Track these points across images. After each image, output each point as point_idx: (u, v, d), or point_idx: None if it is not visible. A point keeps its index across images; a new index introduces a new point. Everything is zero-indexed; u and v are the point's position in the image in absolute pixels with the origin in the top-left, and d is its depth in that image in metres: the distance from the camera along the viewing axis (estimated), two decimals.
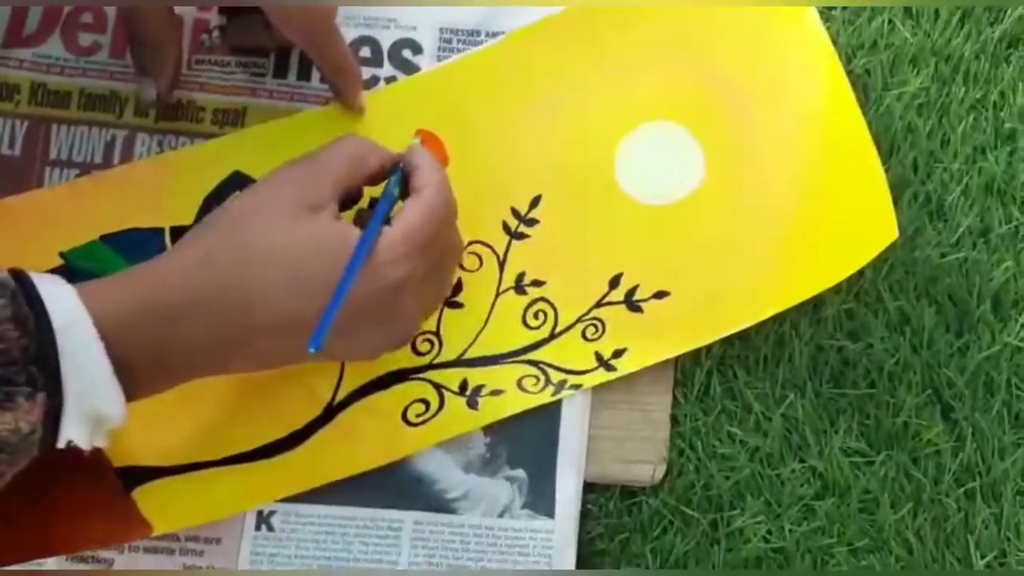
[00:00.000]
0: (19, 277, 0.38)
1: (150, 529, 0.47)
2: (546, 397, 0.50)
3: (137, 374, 0.40)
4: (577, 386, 0.51)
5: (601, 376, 0.51)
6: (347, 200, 0.46)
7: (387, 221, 0.44)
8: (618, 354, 0.51)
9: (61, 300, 0.38)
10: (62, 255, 0.50)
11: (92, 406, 0.38)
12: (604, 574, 0.50)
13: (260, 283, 0.42)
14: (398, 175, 0.46)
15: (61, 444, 0.38)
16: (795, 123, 0.53)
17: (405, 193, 0.46)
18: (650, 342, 0.51)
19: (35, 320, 0.37)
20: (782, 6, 0.54)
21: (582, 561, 0.50)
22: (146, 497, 0.47)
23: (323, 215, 0.43)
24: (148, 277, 0.41)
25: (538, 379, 0.51)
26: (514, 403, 0.50)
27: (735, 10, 0.54)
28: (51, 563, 0.46)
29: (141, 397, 0.41)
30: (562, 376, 0.51)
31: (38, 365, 0.37)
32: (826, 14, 0.56)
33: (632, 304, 0.52)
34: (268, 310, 0.42)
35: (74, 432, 0.38)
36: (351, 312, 0.42)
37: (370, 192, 0.48)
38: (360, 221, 0.45)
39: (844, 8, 0.57)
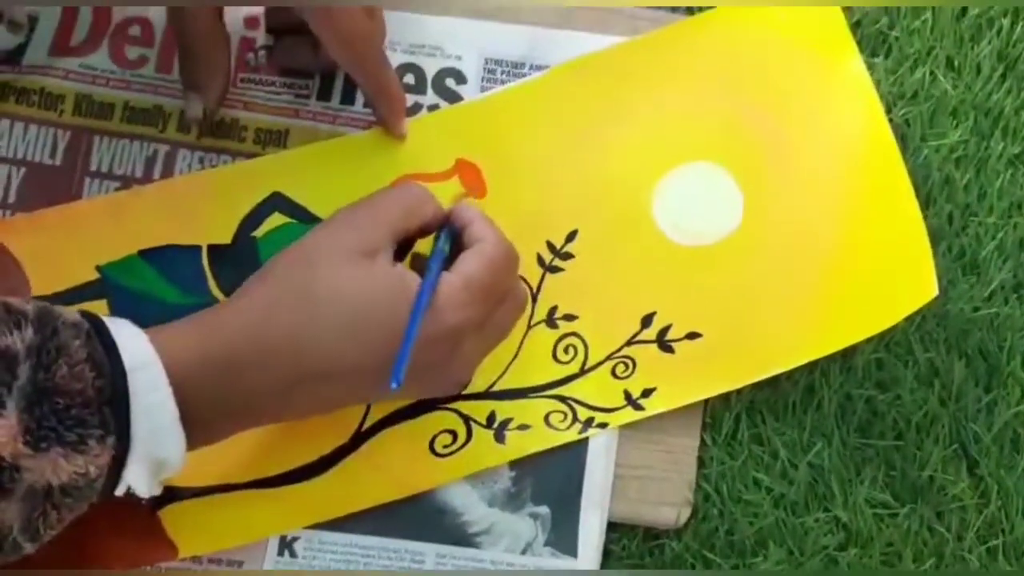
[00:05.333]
0: (91, 318, 0.38)
1: (175, 552, 0.47)
2: (573, 435, 0.50)
3: (196, 422, 0.39)
4: (604, 424, 0.50)
5: (629, 415, 0.51)
6: (401, 248, 0.46)
7: (445, 268, 0.44)
8: (647, 393, 0.51)
9: (131, 342, 0.38)
10: (99, 268, 0.50)
11: (155, 452, 0.38)
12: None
13: (321, 331, 0.42)
14: (447, 231, 0.46)
15: (120, 491, 0.38)
16: (836, 170, 0.53)
17: (455, 250, 0.46)
18: (680, 383, 0.51)
19: (108, 362, 0.37)
20: (827, 50, 0.54)
21: None
22: (173, 518, 0.47)
23: (379, 261, 0.43)
24: (211, 325, 0.41)
25: (565, 415, 0.50)
26: (541, 439, 0.50)
27: (780, 52, 0.54)
28: None
29: (199, 446, 0.41)
30: (590, 413, 0.50)
31: (111, 407, 0.37)
32: (868, 62, 0.56)
33: (664, 344, 0.51)
34: (328, 357, 0.42)
35: (136, 478, 0.38)
36: (411, 356, 0.41)
37: (422, 243, 0.47)
38: (416, 266, 0.45)
39: (887, 57, 0.57)
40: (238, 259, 0.50)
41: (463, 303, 0.44)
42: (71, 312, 0.38)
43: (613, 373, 0.51)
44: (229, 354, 0.41)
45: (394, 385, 0.41)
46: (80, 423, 0.36)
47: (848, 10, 0.56)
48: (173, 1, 0.49)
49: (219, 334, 0.41)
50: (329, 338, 0.42)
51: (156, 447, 0.38)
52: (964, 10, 0.58)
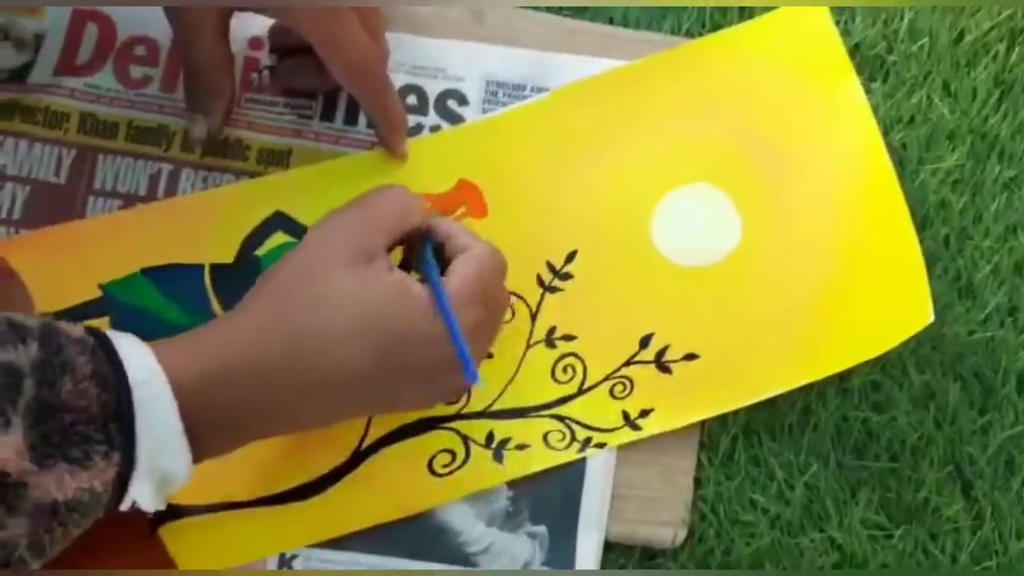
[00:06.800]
0: (96, 334, 0.38)
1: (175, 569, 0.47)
2: (571, 455, 0.50)
3: (202, 436, 0.40)
4: (602, 444, 0.51)
5: (627, 435, 0.51)
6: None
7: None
8: (645, 414, 0.51)
9: (137, 357, 0.38)
10: (102, 287, 0.50)
11: (160, 465, 0.38)
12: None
13: (324, 336, 0.42)
14: (430, 244, 0.46)
15: (125, 505, 0.38)
16: (833, 194, 0.54)
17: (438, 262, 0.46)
18: (677, 404, 0.51)
19: (114, 377, 0.37)
20: (826, 74, 0.55)
21: None
22: (173, 536, 0.47)
23: (378, 264, 0.43)
24: (210, 341, 0.41)
25: (564, 435, 0.51)
26: (539, 459, 0.50)
27: (779, 76, 0.55)
28: None
29: (205, 459, 0.41)
30: (588, 433, 0.51)
31: (116, 422, 0.37)
32: (866, 86, 0.56)
33: (662, 365, 0.52)
34: (332, 363, 0.42)
35: (141, 492, 0.38)
36: (415, 363, 0.42)
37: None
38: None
39: (884, 81, 0.57)
40: (240, 278, 0.50)
41: (460, 307, 0.44)
42: (76, 328, 0.38)
43: (611, 393, 0.51)
44: (229, 369, 0.41)
45: (476, 382, 0.43)
46: (85, 439, 0.36)
47: (846, 35, 0.57)
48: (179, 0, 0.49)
49: (219, 349, 0.41)
50: (335, 342, 0.42)
51: (161, 460, 0.38)
52: (960, 35, 0.58)
